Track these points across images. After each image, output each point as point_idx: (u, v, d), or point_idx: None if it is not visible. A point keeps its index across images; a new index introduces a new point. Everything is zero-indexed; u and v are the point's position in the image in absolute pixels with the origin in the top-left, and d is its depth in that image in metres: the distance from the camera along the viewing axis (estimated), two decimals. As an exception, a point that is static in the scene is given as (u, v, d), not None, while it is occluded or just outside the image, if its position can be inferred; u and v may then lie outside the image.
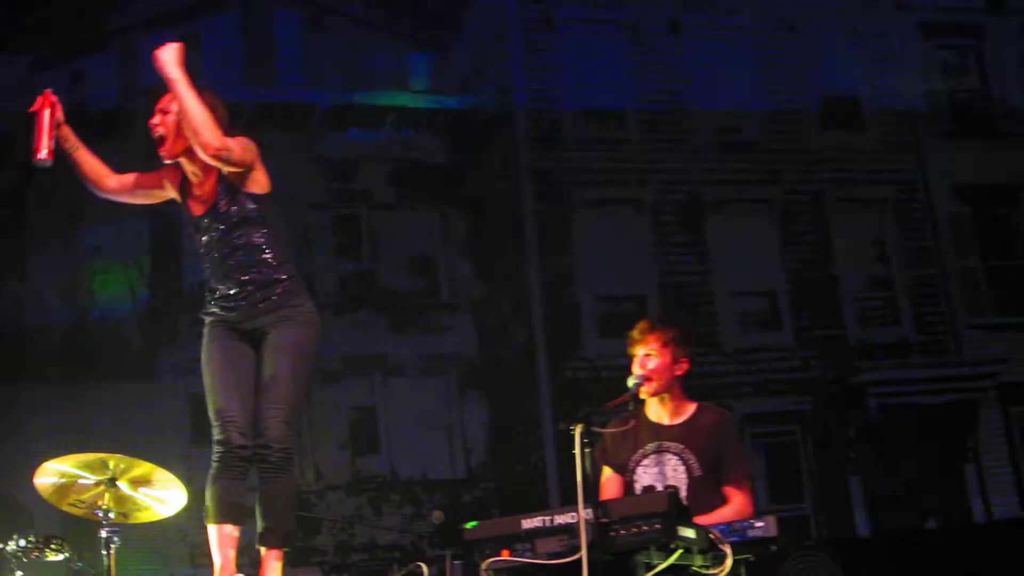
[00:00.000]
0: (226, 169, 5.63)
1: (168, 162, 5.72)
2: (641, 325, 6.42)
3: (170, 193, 5.85)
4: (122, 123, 16.47)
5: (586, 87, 19.21)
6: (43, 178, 16.84)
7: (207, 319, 5.82)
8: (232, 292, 5.70)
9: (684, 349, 6.41)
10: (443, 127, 20.31)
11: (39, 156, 5.51)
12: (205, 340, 5.79)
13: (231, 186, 5.72)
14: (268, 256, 5.73)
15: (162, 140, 5.70)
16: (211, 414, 5.64)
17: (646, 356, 6.30)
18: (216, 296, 5.73)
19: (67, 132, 5.70)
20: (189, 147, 5.63)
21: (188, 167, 5.74)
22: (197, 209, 5.77)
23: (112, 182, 5.83)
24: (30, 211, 17.34)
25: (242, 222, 5.72)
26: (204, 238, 5.74)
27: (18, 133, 17.70)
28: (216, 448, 5.62)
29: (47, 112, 5.61)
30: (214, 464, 5.63)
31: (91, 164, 5.80)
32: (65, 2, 18.73)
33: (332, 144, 19.09)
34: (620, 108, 19.47)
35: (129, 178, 5.86)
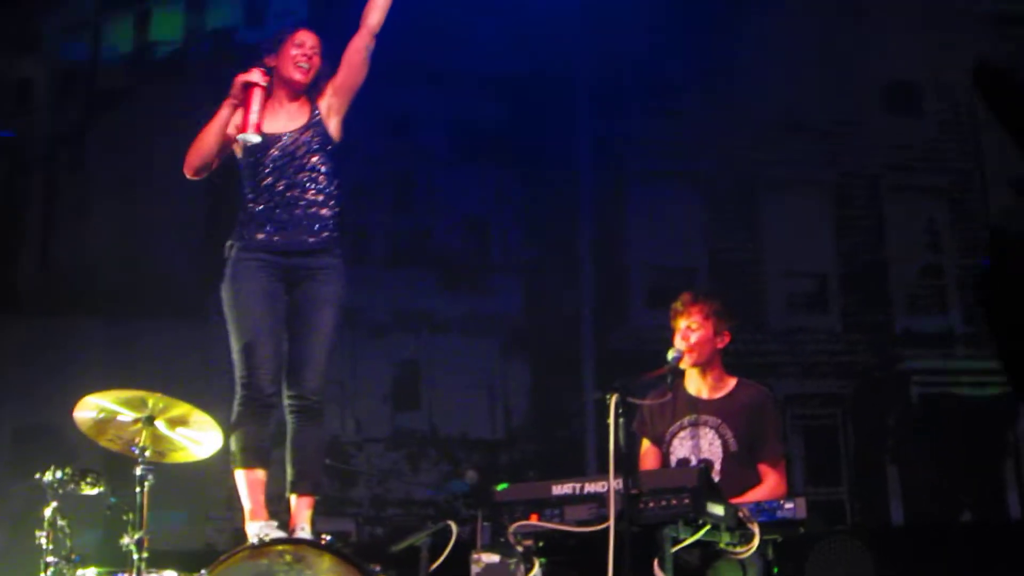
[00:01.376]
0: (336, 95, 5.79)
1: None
2: (684, 297, 6.45)
3: (231, 131, 5.86)
4: (187, 66, 16.57)
5: (647, 56, 19.10)
6: (105, 117, 16.95)
7: (240, 249, 5.76)
8: (286, 217, 5.71)
9: (726, 322, 6.44)
10: (504, 88, 20.27)
11: (247, 131, 5.58)
12: (237, 272, 5.73)
13: (318, 114, 5.78)
14: (328, 191, 5.78)
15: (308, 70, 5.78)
16: (239, 356, 5.64)
17: (688, 328, 6.33)
18: (266, 222, 5.71)
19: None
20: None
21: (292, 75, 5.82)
22: (276, 127, 5.79)
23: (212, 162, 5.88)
24: (92, 149, 17.44)
25: (318, 150, 5.77)
26: (269, 158, 5.75)
27: (83, 70, 17.85)
28: (242, 392, 5.65)
29: (260, 90, 5.68)
30: (238, 409, 5.66)
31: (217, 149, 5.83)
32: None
33: (392, 99, 19.09)
34: (681, 79, 19.38)
35: (215, 149, 5.88)
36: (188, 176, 5.92)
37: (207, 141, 5.80)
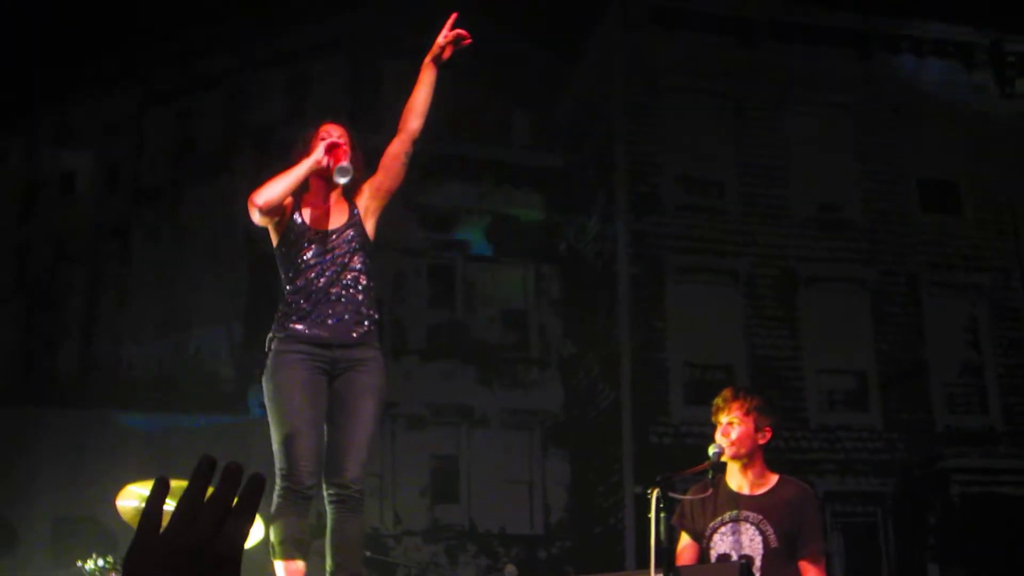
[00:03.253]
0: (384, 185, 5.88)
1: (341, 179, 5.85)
2: (725, 393, 6.43)
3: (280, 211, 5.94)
4: (228, 161, 16.77)
5: (687, 154, 19.20)
6: (148, 211, 17.14)
7: (282, 341, 5.81)
8: (328, 311, 5.76)
9: (768, 419, 6.41)
10: (542, 184, 20.41)
11: (343, 161, 5.70)
12: (280, 363, 5.76)
13: (357, 214, 5.86)
14: (368, 290, 5.84)
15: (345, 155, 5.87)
16: (280, 447, 5.65)
17: (729, 424, 6.31)
18: (308, 315, 5.76)
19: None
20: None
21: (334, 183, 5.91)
22: (316, 223, 5.87)
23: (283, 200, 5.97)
24: (134, 242, 17.62)
25: (359, 250, 5.84)
26: (310, 254, 5.83)
27: (126, 166, 18.11)
28: (281, 483, 5.65)
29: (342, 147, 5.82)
30: (278, 500, 5.66)
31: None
32: (173, 42, 19.05)
33: (431, 193, 19.23)
34: (720, 178, 19.48)
35: (298, 186, 5.96)
36: (258, 210, 5.93)
37: (296, 176, 5.84)
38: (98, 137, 17.66)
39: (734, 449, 6.26)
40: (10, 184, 16.63)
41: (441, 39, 5.97)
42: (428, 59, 6.05)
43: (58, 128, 17.10)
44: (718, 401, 6.39)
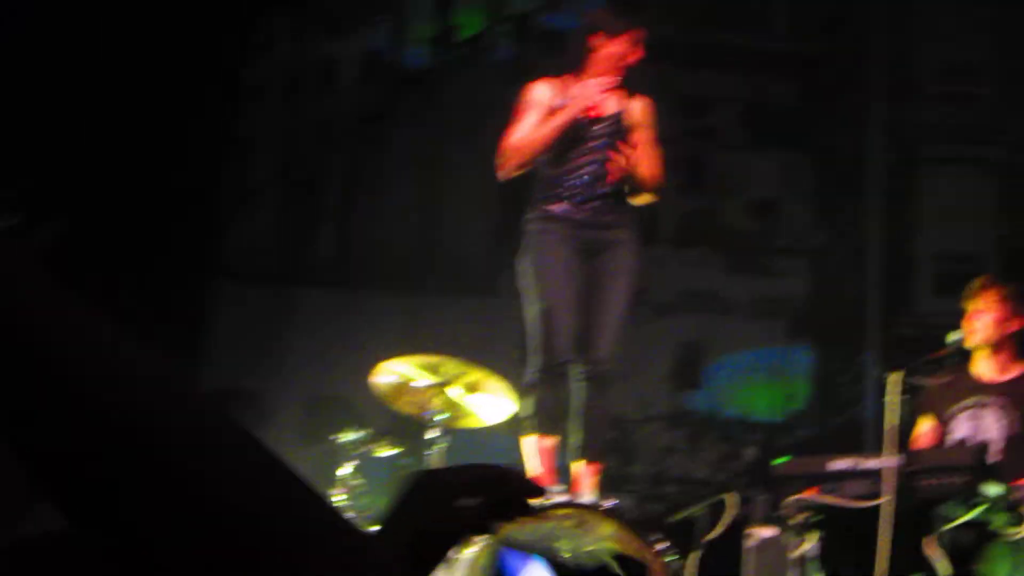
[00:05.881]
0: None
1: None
2: (977, 282, 6.44)
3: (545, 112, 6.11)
4: (488, 48, 17.03)
5: (946, 43, 18.75)
6: (408, 98, 17.57)
7: (539, 220, 5.99)
8: (588, 192, 5.94)
9: (1021, 306, 6.40)
10: (797, 71, 20.16)
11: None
12: (537, 243, 5.97)
13: (623, 110, 6.04)
14: (624, 175, 6.01)
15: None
16: (538, 322, 5.87)
17: (977, 311, 6.33)
18: (571, 194, 5.93)
19: None
20: None
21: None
22: (594, 112, 6.06)
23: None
24: (393, 129, 18.01)
25: (615, 134, 6.03)
26: (587, 137, 5.99)
27: (387, 53, 18.49)
28: (537, 358, 5.87)
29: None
30: (534, 375, 5.89)
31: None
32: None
33: (686, 80, 19.15)
34: (979, 62, 18.97)
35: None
36: (510, 172, 6.15)
37: (546, 135, 6.00)
38: (360, 26, 18.01)
39: (983, 334, 6.29)
40: (276, 71, 17.15)
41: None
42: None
43: (318, 19, 17.52)
44: (973, 286, 6.41)
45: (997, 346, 6.39)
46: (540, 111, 6.08)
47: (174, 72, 12.65)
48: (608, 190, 6.03)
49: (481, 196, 18.68)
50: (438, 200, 18.49)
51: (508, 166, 6.15)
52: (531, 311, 5.94)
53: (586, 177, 6.02)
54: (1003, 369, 6.42)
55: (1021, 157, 18.42)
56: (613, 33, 6.09)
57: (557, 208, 6.00)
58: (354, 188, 18.65)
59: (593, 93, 5.95)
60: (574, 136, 6.02)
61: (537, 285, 5.98)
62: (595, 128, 6.06)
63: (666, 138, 19.01)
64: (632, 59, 6.07)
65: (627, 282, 6.01)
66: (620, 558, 5.38)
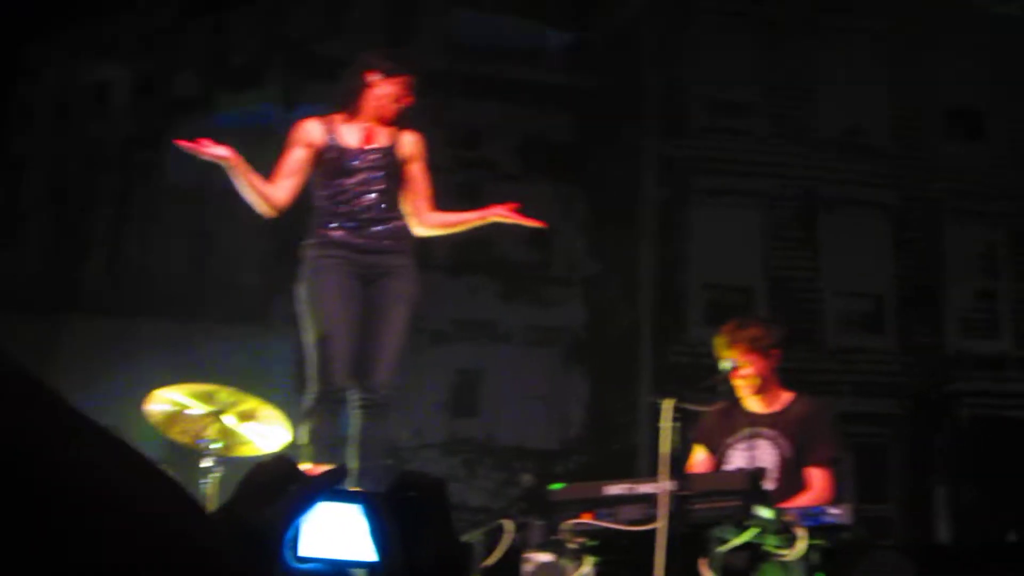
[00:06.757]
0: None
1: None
2: (719, 340, 6.53)
3: (312, 150, 6.06)
4: (264, 74, 16.86)
5: (716, 77, 19.26)
6: (181, 123, 17.29)
7: (316, 246, 5.94)
8: (365, 217, 5.90)
9: (771, 342, 6.54)
10: (572, 105, 20.45)
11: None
12: (315, 271, 5.91)
13: (394, 148, 6.01)
14: (395, 202, 6.00)
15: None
16: (315, 349, 5.80)
17: (736, 370, 6.43)
18: (342, 224, 5.89)
19: (239, 160, 5.93)
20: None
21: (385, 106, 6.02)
22: (356, 143, 6.00)
23: (282, 194, 6.05)
24: (166, 155, 17.73)
25: (388, 166, 5.99)
26: (351, 164, 5.95)
27: (161, 77, 18.19)
28: (315, 386, 5.80)
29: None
30: (310, 402, 5.81)
31: (260, 187, 6.00)
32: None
33: (461, 112, 19.26)
34: (747, 100, 19.54)
35: (291, 181, 6.04)
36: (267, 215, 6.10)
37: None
38: (134, 49, 17.70)
39: (750, 386, 6.42)
40: (46, 96, 16.70)
41: (501, 214, 6.16)
42: (482, 215, 6.23)
43: (93, 40, 17.13)
44: (718, 343, 6.52)
45: (764, 384, 6.52)
46: (306, 150, 6.02)
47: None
48: (384, 216, 5.98)
49: (254, 223, 18.43)
50: (211, 228, 18.26)
51: (260, 211, 6.11)
52: (309, 337, 5.85)
53: (363, 204, 5.96)
54: (771, 402, 6.55)
55: (790, 189, 19.04)
56: (388, 74, 6.07)
57: (335, 234, 5.93)
58: (125, 213, 18.32)
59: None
60: (341, 167, 5.97)
61: (315, 311, 5.88)
62: (370, 157, 6.01)
63: (442, 168, 19.26)
64: (405, 103, 6.05)
65: (406, 309, 5.96)
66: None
